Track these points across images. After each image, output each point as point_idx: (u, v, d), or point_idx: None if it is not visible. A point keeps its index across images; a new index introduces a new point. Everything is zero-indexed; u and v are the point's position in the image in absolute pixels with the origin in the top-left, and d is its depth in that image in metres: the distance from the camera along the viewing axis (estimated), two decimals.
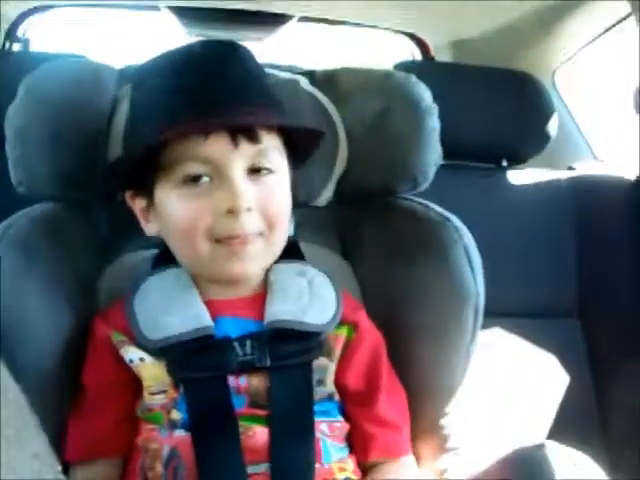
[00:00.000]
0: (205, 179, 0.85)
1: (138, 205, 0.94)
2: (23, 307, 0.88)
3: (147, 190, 0.90)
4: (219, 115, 0.84)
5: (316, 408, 0.88)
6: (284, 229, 0.92)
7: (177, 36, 2.23)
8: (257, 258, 0.88)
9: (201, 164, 0.84)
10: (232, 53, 0.90)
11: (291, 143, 0.93)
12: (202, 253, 0.87)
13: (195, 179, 0.85)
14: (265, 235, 0.88)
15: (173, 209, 0.87)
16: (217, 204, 0.84)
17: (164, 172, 0.86)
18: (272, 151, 0.89)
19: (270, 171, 0.88)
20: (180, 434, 0.85)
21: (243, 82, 0.88)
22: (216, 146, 0.83)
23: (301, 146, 0.95)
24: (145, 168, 0.88)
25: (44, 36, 2.24)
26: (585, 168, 1.75)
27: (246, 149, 0.85)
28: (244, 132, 0.84)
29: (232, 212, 0.83)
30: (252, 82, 0.90)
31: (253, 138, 0.85)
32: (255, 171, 0.87)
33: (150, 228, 0.94)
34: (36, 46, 2.18)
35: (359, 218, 1.14)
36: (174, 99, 0.86)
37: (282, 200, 0.91)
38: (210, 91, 0.85)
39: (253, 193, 0.85)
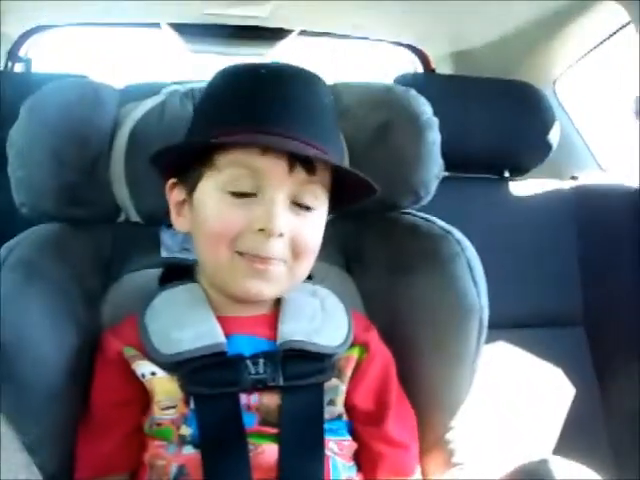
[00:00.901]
0: (249, 192, 0.85)
1: (176, 196, 0.94)
2: (26, 325, 0.88)
3: (191, 183, 0.90)
4: (288, 136, 0.84)
5: (325, 427, 0.88)
6: (309, 263, 0.92)
7: (179, 53, 2.24)
8: (276, 282, 0.88)
9: (250, 175, 0.84)
10: (316, 83, 0.91)
11: (338, 186, 0.93)
12: (222, 262, 0.87)
13: (241, 195, 0.85)
14: (289, 263, 0.88)
15: (209, 210, 0.87)
16: (252, 220, 0.84)
17: (213, 170, 0.87)
18: (320, 188, 0.89)
19: (311, 208, 0.88)
20: (189, 452, 0.85)
21: (320, 113, 0.89)
22: (272, 165, 0.83)
23: (347, 193, 0.94)
24: (196, 161, 0.88)
25: (46, 56, 2.25)
26: (588, 178, 1.75)
27: (298, 176, 0.85)
28: (303, 161, 0.84)
29: (264, 232, 0.84)
30: (323, 115, 0.90)
31: (309, 171, 0.85)
32: (298, 204, 0.87)
33: (180, 223, 0.95)
34: (38, 66, 2.19)
35: (361, 232, 1.14)
36: (247, 103, 0.86)
37: (314, 236, 0.91)
38: (284, 109, 0.85)
39: (290, 221, 0.85)
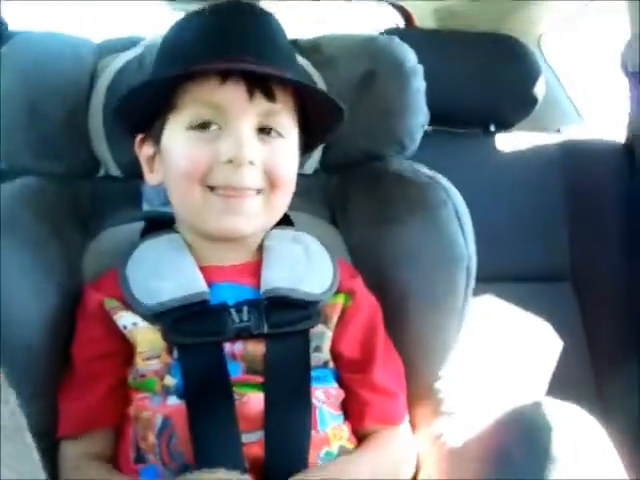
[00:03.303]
0: (214, 127, 0.85)
1: (145, 152, 0.93)
2: (4, 282, 0.86)
3: (157, 132, 0.89)
4: (241, 62, 0.83)
5: (312, 375, 0.87)
6: (287, 192, 0.91)
7: (161, 13, 2.20)
8: (253, 216, 0.87)
9: (213, 110, 0.84)
10: (263, 13, 0.90)
11: (305, 113, 0.92)
12: (196, 200, 0.86)
13: (204, 125, 0.85)
14: (265, 193, 0.87)
15: (176, 152, 0.87)
16: (220, 152, 0.83)
17: (175, 114, 0.86)
18: (284, 114, 0.88)
19: (279, 134, 0.88)
20: (173, 402, 0.83)
21: (271, 39, 0.88)
22: (231, 94, 0.83)
23: (315, 119, 0.93)
24: (158, 109, 0.87)
25: (21, 19, 2.20)
26: (573, 132, 1.74)
27: (260, 104, 0.84)
28: (261, 86, 0.83)
29: (233, 162, 0.83)
30: (279, 42, 0.90)
31: (269, 93, 0.84)
32: (264, 131, 0.86)
33: (153, 178, 0.94)
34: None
35: (347, 184, 1.13)
36: (199, 39, 0.86)
37: (288, 163, 0.90)
38: (236, 38, 0.85)
39: (259, 149, 0.85)
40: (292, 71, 0.89)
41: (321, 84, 1.10)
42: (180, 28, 0.91)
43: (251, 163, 0.83)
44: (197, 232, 0.91)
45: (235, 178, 0.84)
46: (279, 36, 0.91)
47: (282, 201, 0.91)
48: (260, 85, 0.83)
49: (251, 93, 0.83)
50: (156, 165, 0.93)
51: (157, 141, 0.90)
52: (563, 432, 0.74)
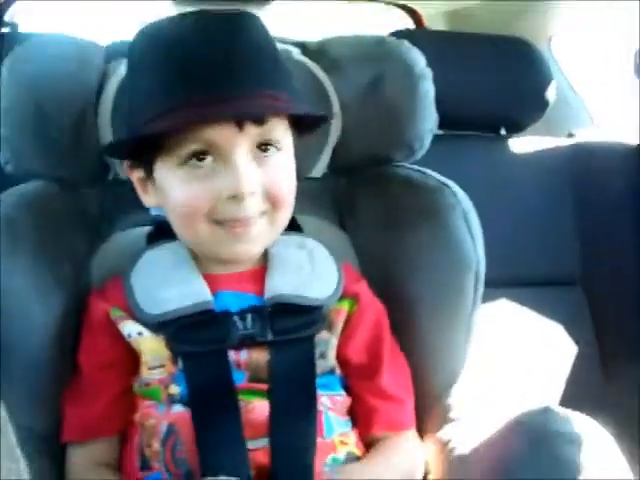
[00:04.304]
0: (208, 158, 0.81)
1: (136, 175, 0.90)
2: (10, 287, 0.87)
3: (146, 164, 0.87)
4: (224, 102, 0.79)
5: (318, 382, 0.87)
6: (289, 208, 0.89)
7: (166, 11, 2.19)
8: (260, 239, 0.86)
9: (204, 147, 0.80)
10: (237, 23, 0.83)
11: (296, 118, 0.89)
12: (202, 235, 0.84)
13: (197, 158, 0.81)
14: (269, 214, 0.86)
15: (173, 190, 0.83)
16: (220, 189, 0.81)
17: (165, 150, 0.82)
18: (277, 129, 0.84)
19: (276, 149, 0.84)
20: (178, 410, 0.84)
21: (250, 60, 0.82)
22: (220, 131, 0.79)
23: (306, 123, 0.91)
24: (144, 145, 0.84)
25: (31, 21, 2.21)
26: (585, 135, 1.73)
27: (251, 130, 0.80)
28: (249, 116, 0.80)
29: (235, 197, 0.81)
30: (262, 60, 0.84)
31: (260, 122, 0.81)
32: (260, 149, 0.83)
33: (148, 200, 0.91)
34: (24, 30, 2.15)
35: (355, 188, 1.12)
36: (172, 82, 0.80)
37: (287, 179, 0.87)
38: (213, 73, 0.79)
39: (257, 176, 0.82)
40: (278, 80, 0.85)
41: (329, 87, 1.09)
42: (147, 65, 0.84)
43: (252, 194, 0.81)
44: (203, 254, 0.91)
45: (239, 211, 0.81)
46: (260, 46, 0.84)
47: (285, 215, 0.89)
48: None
49: (241, 126, 0.79)
50: (149, 188, 0.89)
51: (147, 170, 0.87)
52: (571, 440, 0.74)
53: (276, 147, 0.84)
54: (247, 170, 0.80)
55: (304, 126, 0.92)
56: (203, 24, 0.83)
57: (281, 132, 0.85)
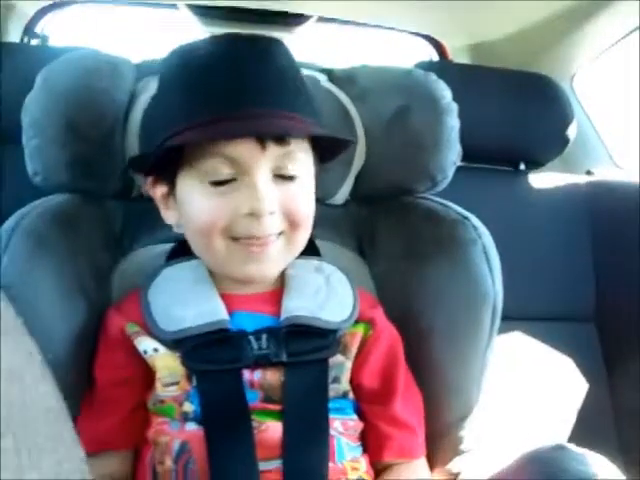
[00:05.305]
0: (229, 176, 0.83)
1: (159, 191, 0.92)
2: (33, 295, 0.87)
3: (169, 179, 0.89)
4: (248, 119, 0.81)
5: (330, 405, 0.87)
6: (307, 230, 0.90)
7: (195, 33, 2.22)
8: (276, 260, 0.87)
9: (226, 163, 0.82)
10: (266, 49, 0.86)
11: (318, 143, 0.90)
12: (218, 251, 0.86)
13: (218, 175, 0.83)
14: (286, 234, 0.87)
15: (193, 204, 0.85)
16: (239, 205, 0.82)
17: (188, 165, 0.84)
18: (299, 153, 0.86)
19: (296, 171, 0.86)
20: (191, 428, 0.84)
21: (276, 83, 0.85)
22: (242, 148, 0.81)
23: (328, 148, 0.92)
24: (168, 159, 0.86)
25: (62, 33, 2.24)
26: (603, 173, 1.74)
27: (273, 151, 0.82)
28: (273, 136, 0.82)
29: (253, 214, 0.82)
30: (286, 83, 0.86)
31: (282, 142, 0.83)
32: (281, 170, 0.85)
33: (169, 216, 0.93)
34: (54, 43, 2.18)
35: (376, 217, 1.13)
36: (200, 99, 0.83)
37: (306, 203, 0.89)
38: (239, 92, 0.82)
39: (277, 196, 0.83)
40: (302, 107, 0.86)
41: (354, 115, 1.11)
42: (180, 74, 0.87)
43: (271, 213, 0.83)
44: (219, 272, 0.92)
45: (257, 228, 0.83)
46: (286, 71, 0.87)
47: (303, 237, 0.90)
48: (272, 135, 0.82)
49: (263, 145, 0.81)
50: (171, 203, 0.91)
51: (170, 183, 0.89)
52: (586, 479, 0.74)
53: (296, 169, 0.86)
54: (267, 188, 0.82)
55: (326, 151, 0.93)
56: (233, 47, 0.86)
57: (302, 154, 0.87)
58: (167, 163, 0.86)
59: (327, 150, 0.93)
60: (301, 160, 0.87)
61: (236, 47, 0.86)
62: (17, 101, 1.02)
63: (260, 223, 0.83)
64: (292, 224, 0.86)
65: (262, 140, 0.81)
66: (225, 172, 0.83)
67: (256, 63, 0.84)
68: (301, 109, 0.86)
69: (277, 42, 0.88)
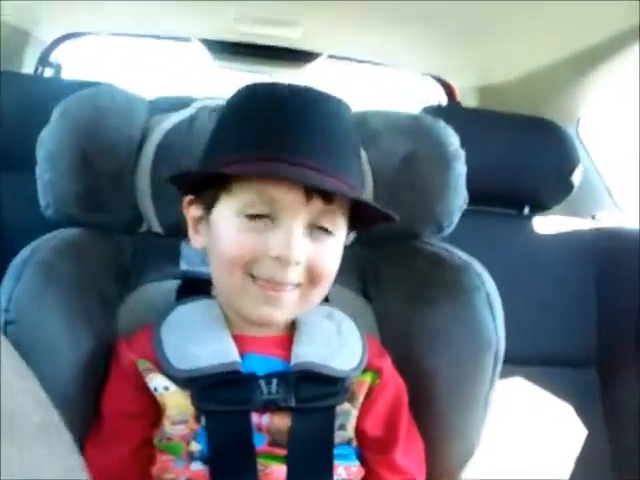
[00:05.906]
0: (266, 217, 0.83)
1: (192, 213, 0.93)
2: (41, 327, 0.88)
3: (207, 202, 0.89)
4: (304, 169, 0.81)
5: (335, 451, 0.88)
6: (324, 288, 0.90)
7: (207, 66, 2.25)
8: (289, 307, 0.87)
9: (267, 203, 0.83)
10: (338, 109, 0.87)
11: (357, 209, 0.90)
12: (235, 284, 0.86)
13: (257, 212, 0.83)
14: (303, 287, 0.87)
15: (225, 233, 0.86)
16: (269, 247, 0.82)
17: (230, 195, 0.85)
18: (338, 213, 0.87)
19: (330, 233, 0.87)
20: (197, 467, 0.84)
21: (340, 145, 0.86)
22: (288, 195, 0.82)
23: (364, 216, 0.91)
24: (213, 183, 0.87)
25: (76, 63, 2.27)
26: (608, 219, 1.75)
27: (316, 205, 0.83)
28: (320, 191, 0.82)
29: (280, 260, 0.82)
30: (347, 147, 0.87)
31: (326, 200, 0.83)
32: (316, 227, 0.85)
33: (197, 240, 0.93)
34: (68, 72, 2.21)
35: (381, 259, 1.13)
36: (264, 137, 0.83)
37: (332, 262, 0.89)
38: (304, 143, 0.82)
39: (307, 248, 0.84)
40: (352, 175, 0.87)
41: (363, 157, 1.11)
42: (245, 107, 0.88)
43: (297, 263, 0.84)
44: (232, 309, 0.92)
45: (279, 274, 0.83)
46: (347, 135, 0.88)
47: (319, 294, 0.90)
48: (319, 190, 0.82)
49: (308, 196, 0.82)
50: (202, 228, 0.92)
51: (207, 208, 0.89)
52: None
53: (332, 227, 0.87)
54: (299, 239, 0.83)
55: (362, 219, 0.93)
56: (311, 98, 0.86)
57: (340, 215, 0.88)
58: (210, 186, 0.87)
59: (363, 218, 0.93)
60: (338, 221, 0.88)
61: (313, 100, 0.86)
62: (25, 132, 1.04)
63: (284, 270, 0.83)
64: (312, 279, 0.87)
65: (309, 192, 0.82)
66: (263, 209, 0.83)
67: (327, 121, 0.85)
68: (353, 174, 0.88)
69: (345, 105, 0.89)
